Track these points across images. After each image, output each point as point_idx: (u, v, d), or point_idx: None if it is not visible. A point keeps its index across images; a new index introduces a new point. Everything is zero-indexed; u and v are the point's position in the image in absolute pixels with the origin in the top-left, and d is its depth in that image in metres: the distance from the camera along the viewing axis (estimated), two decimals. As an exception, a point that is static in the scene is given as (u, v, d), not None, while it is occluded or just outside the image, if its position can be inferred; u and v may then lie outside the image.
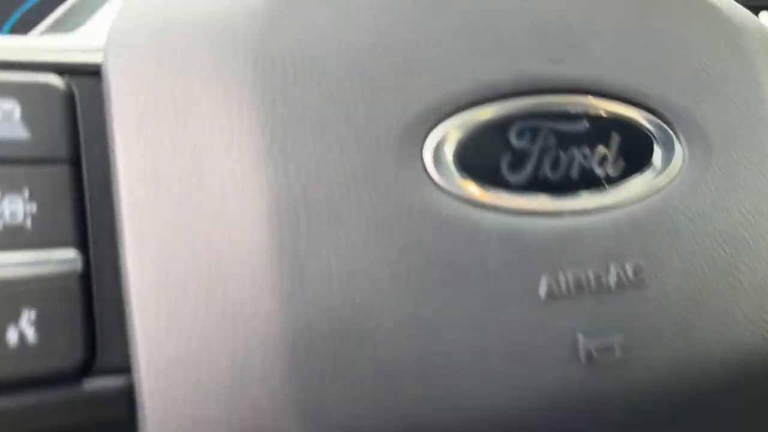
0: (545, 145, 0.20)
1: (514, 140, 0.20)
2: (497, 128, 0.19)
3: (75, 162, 0.18)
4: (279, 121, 0.17)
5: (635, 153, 0.21)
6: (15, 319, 0.16)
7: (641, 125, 0.21)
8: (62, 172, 0.17)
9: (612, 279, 0.19)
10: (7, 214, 0.17)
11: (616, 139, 0.21)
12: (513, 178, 0.19)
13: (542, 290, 0.19)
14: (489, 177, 0.19)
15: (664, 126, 0.21)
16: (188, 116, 0.17)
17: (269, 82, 0.17)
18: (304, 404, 0.16)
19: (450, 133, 0.19)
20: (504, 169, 0.19)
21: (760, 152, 0.22)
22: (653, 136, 0.21)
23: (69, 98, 0.18)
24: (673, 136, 0.21)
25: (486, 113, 0.19)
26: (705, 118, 0.22)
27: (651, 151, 0.21)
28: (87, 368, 0.17)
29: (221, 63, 0.17)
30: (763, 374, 0.21)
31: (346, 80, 0.17)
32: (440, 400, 0.17)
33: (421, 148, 0.19)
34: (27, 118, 0.17)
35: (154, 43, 0.17)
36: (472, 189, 0.19)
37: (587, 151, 0.20)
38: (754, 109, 0.22)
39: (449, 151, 0.19)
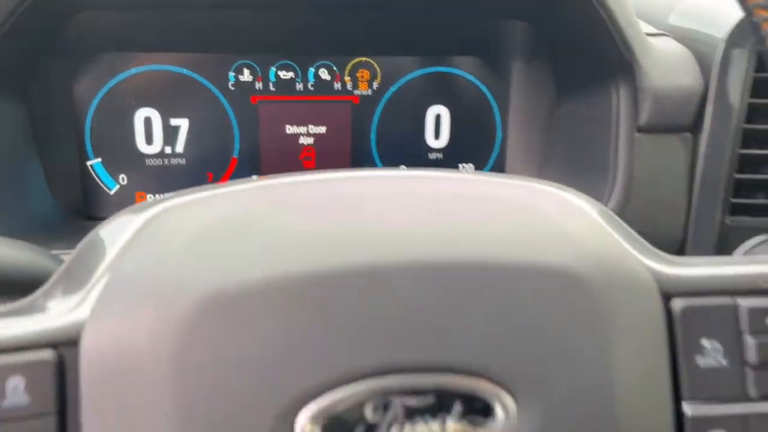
0: (391, 418, 0.23)
1: (366, 414, 0.23)
2: (354, 406, 0.23)
3: (61, 412, 0.24)
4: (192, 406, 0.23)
5: (474, 416, 0.24)
6: None
7: (479, 392, 0.24)
8: (50, 421, 0.23)
9: None
10: None
11: (454, 406, 0.24)
12: None
13: None
14: None
15: (507, 392, 0.24)
16: (132, 401, 0.23)
17: (182, 386, 0.23)
18: None
19: (314, 414, 0.23)
20: None
21: (586, 412, 0.25)
22: (493, 402, 0.24)
23: (59, 365, 0.24)
24: (515, 400, 0.24)
25: (346, 397, 0.23)
26: (544, 385, 0.25)
27: (488, 414, 0.24)
28: None
29: (157, 368, 0.23)
30: None
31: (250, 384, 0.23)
32: None
33: (293, 424, 0.23)
34: (29, 388, 0.23)
35: (118, 335, 0.23)
36: None
37: (427, 419, 0.24)
38: (596, 376, 0.25)
39: (321, 425, 0.23)
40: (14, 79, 0.51)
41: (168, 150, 0.58)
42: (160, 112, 0.58)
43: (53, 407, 0.23)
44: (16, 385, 0.23)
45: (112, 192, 0.58)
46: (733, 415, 0.28)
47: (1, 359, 0.23)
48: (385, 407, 0.23)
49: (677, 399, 0.28)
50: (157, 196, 0.59)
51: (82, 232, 0.40)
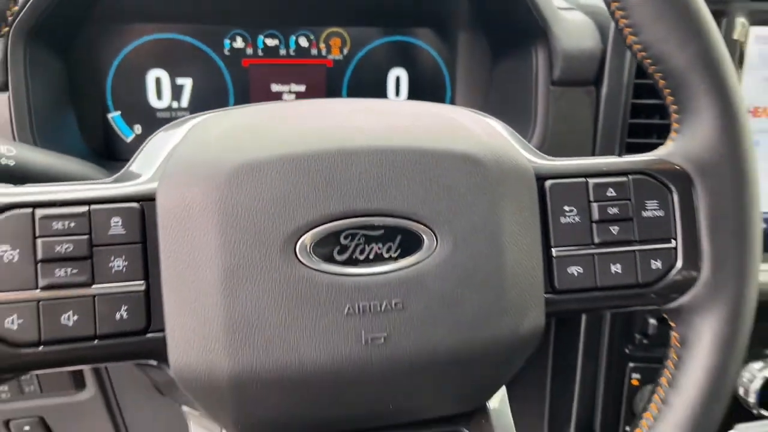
0: (357, 242, 0.36)
1: (343, 240, 0.36)
2: (333, 234, 0.35)
3: (144, 242, 0.35)
4: (229, 234, 0.35)
5: (410, 245, 0.37)
6: (118, 309, 0.35)
7: (413, 229, 0.37)
8: (138, 248, 0.35)
9: (385, 306, 0.36)
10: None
11: (398, 237, 0.37)
12: (341, 258, 0.35)
13: (345, 311, 0.35)
14: (326, 259, 0.35)
15: (430, 230, 0.37)
16: (191, 233, 0.35)
17: (230, 227, 0.34)
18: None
19: (308, 238, 0.35)
20: (335, 255, 0.35)
21: (494, 244, 0.38)
22: (420, 237, 0.37)
23: (142, 213, 0.35)
24: (435, 235, 0.37)
25: (328, 228, 0.35)
26: (455, 226, 0.37)
27: (420, 243, 0.37)
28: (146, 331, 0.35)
29: (212, 217, 0.35)
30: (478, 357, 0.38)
31: (264, 221, 0.35)
32: (285, 356, 0.35)
33: (295, 245, 0.35)
34: (124, 225, 0.35)
35: (183, 201, 0.35)
36: (320, 264, 0.35)
37: (380, 245, 0.36)
38: (488, 222, 0.38)
39: (311, 246, 0.35)
40: (61, 41, 0.62)
41: (175, 104, 0.70)
42: (168, 73, 0.69)
43: (139, 239, 0.35)
44: (117, 221, 0.35)
45: (128, 140, 0.70)
46: (584, 254, 0.42)
47: (108, 206, 0.34)
48: (353, 237, 0.36)
49: (547, 246, 0.41)
50: None
51: (107, 170, 0.52)
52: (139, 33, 0.68)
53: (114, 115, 0.69)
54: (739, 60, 0.67)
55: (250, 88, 0.71)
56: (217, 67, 0.70)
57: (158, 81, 0.69)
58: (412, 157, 0.37)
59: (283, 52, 0.71)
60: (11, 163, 0.44)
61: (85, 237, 0.34)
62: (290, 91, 0.72)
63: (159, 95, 0.69)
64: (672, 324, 0.43)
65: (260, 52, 0.71)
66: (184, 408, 0.41)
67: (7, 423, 0.70)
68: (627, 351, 0.75)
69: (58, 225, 0.34)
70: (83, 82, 0.66)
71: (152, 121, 0.70)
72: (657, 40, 0.41)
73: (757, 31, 0.68)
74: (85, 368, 0.43)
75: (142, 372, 0.41)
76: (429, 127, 0.39)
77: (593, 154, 0.67)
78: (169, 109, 0.70)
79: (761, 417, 0.75)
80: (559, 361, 0.80)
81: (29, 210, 0.34)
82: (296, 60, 0.72)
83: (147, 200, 0.35)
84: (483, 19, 0.72)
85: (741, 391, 0.75)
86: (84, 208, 0.34)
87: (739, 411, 0.77)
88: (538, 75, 0.66)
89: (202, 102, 0.70)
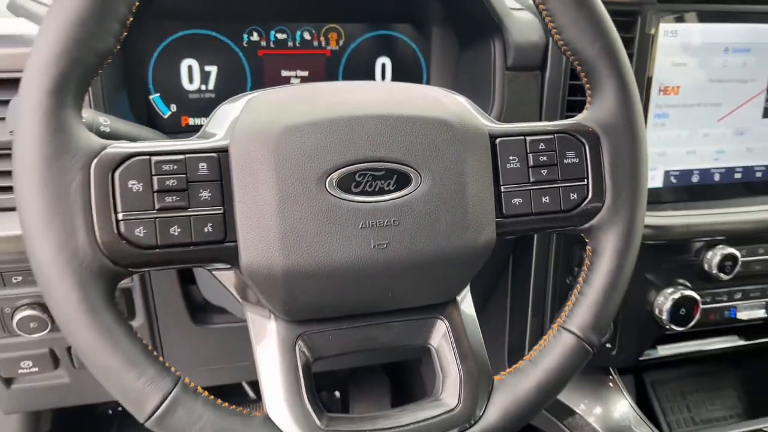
0: (367, 179, 0.49)
1: (357, 177, 0.48)
2: (350, 174, 0.48)
3: (221, 180, 0.47)
4: (280, 174, 0.47)
5: (402, 181, 0.49)
6: (206, 225, 0.48)
7: (404, 171, 0.50)
8: (217, 184, 0.47)
9: (386, 222, 0.48)
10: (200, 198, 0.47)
11: (394, 176, 0.49)
12: (356, 190, 0.48)
13: (360, 225, 0.48)
14: (345, 191, 0.48)
15: (414, 171, 0.50)
16: (254, 174, 0.47)
17: (282, 168, 0.47)
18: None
19: (334, 176, 0.48)
20: (352, 188, 0.48)
21: (459, 181, 0.51)
22: (409, 176, 0.50)
23: (218, 160, 0.47)
24: (419, 175, 0.50)
25: (348, 170, 0.48)
26: (432, 169, 0.50)
27: (409, 180, 0.50)
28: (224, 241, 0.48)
29: (269, 161, 0.47)
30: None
31: (304, 164, 0.48)
32: (321, 255, 0.48)
33: (325, 181, 0.47)
34: (208, 168, 0.47)
35: (248, 151, 0.47)
36: (342, 194, 0.48)
37: (382, 182, 0.49)
38: (456, 166, 0.51)
39: (335, 182, 0.48)
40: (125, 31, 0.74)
41: (203, 87, 0.82)
42: (198, 62, 0.80)
43: (218, 178, 0.47)
44: (203, 165, 0.47)
45: (165, 116, 0.81)
46: (523, 190, 0.54)
47: (197, 155, 0.47)
48: (363, 176, 0.48)
49: (498, 184, 0.53)
50: (197, 119, 0.84)
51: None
52: (175, 29, 0.78)
53: (154, 97, 0.81)
54: (652, 49, 0.82)
55: (264, 74, 0.82)
56: (237, 56, 0.82)
57: (190, 68, 0.80)
58: (403, 120, 0.50)
59: (290, 44, 0.83)
60: (108, 129, 0.59)
61: (183, 176, 0.46)
62: (296, 76, 0.84)
63: (190, 80, 0.81)
64: (586, 240, 0.57)
65: (272, 44, 0.82)
66: (243, 302, 0.54)
67: (69, 349, 0.84)
68: (567, 281, 0.88)
69: (166, 167, 0.46)
70: (132, 70, 0.77)
71: (185, 101, 0.81)
72: (574, 38, 0.54)
73: (664, 27, 0.81)
74: (183, 268, 0.56)
75: (217, 280, 0.54)
76: (414, 100, 0.52)
77: (539, 125, 0.82)
78: (199, 91, 0.82)
79: (673, 331, 0.90)
80: (516, 295, 0.93)
81: (147, 157, 0.46)
82: (301, 50, 0.83)
83: (222, 152, 0.47)
84: (451, 18, 0.83)
85: (656, 311, 0.89)
86: (182, 157, 0.46)
87: (656, 329, 0.92)
88: (495, 62, 0.77)
89: (225, 85, 0.81)
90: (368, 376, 1.34)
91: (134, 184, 0.46)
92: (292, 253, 0.47)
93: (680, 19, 0.82)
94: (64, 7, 0.44)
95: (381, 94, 0.53)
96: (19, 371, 0.81)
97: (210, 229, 0.47)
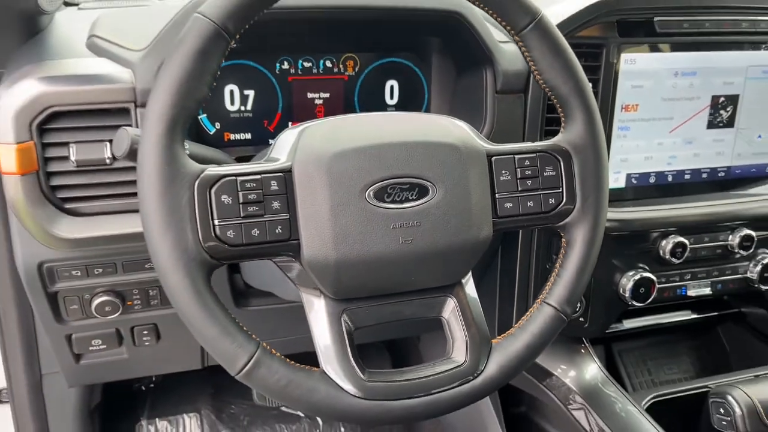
0: (396, 191, 0.59)
1: (388, 190, 0.59)
2: (383, 187, 0.59)
3: (286, 194, 0.59)
4: (332, 189, 0.60)
5: (422, 192, 0.60)
6: (276, 228, 0.61)
7: (423, 184, 0.60)
8: (284, 197, 0.59)
9: (411, 224, 0.59)
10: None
11: (416, 189, 0.60)
12: (388, 200, 0.59)
13: (391, 226, 0.59)
14: (380, 200, 0.59)
15: (431, 184, 0.60)
16: (312, 188, 0.59)
17: (332, 184, 0.59)
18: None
19: (372, 189, 0.58)
20: (385, 198, 0.59)
21: (465, 191, 0.62)
22: (427, 188, 0.60)
23: (284, 179, 0.59)
24: (435, 187, 0.60)
25: (381, 184, 0.59)
26: (445, 182, 0.60)
27: (427, 191, 0.60)
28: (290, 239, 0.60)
29: (323, 179, 0.59)
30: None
31: (349, 180, 0.59)
32: (362, 246, 0.61)
33: (365, 193, 0.58)
34: (278, 184, 0.60)
35: (307, 171, 0.59)
36: (377, 203, 0.59)
37: (407, 193, 0.60)
38: (462, 180, 0.61)
39: (372, 194, 0.58)
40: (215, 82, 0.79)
41: (242, 108, 0.91)
42: (238, 87, 0.90)
43: (285, 191, 0.57)
44: (274, 182, 0.57)
45: (211, 133, 0.91)
46: (513, 196, 0.64)
47: (269, 175, 0.57)
48: (393, 189, 0.59)
49: (493, 192, 0.64)
50: (237, 135, 0.94)
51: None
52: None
53: (202, 117, 0.91)
54: (615, 75, 0.95)
55: (293, 96, 0.93)
56: (271, 82, 0.92)
57: (231, 92, 0.90)
58: (422, 146, 0.61)
59: (315, 71, 0.93)
60: (188, 152, 0.73)
61: (260, 191, 0.57)
62: (320, 97, 0.94)
63: (232, 102, 0.91)
64: (561, 234, 0.69)
65: (300, 71, 0.92)
66: (298, 285, 0.64)
67: (132, 329, 0.97)
68: (547, 266, 0.99)
69: (248, 185, 0.57)
70: None
71: (227, 120, 0.91)
72: (551, 79, 0.66)
73: (625, 56, 0.94)
74: (259, 260, 0.64)
75: (280, 269, 0.67)
76: (429, 129, 0.63)
77: (523, 139, 0.91)
78: (239, 111, 0.92)
79: (634, 306, 1.02)
80: (504, 279, 1.04)
81: (234, 177, 0.57)
82: (324, 76, 0.93)
83: (287, 172, 0.58)
84: (450, 49, 0.93)
85: (621, 290, 1.02)
86: (259, 176, 0.57)
87: (621, 305, 1.04)
88: (487, 86, 0.88)
89: (261, 106, 0.91)
90: (373, 354, 1.51)
91: (225, 197, 0.57)
92: (341, 248, 0.59)
93: (638, 50, 0.95)
94: (173, 69, 0.59)
95: (404, 125, 0.65)
96: (90, 348, 0.95)
97: (280, 230, 0.59)
